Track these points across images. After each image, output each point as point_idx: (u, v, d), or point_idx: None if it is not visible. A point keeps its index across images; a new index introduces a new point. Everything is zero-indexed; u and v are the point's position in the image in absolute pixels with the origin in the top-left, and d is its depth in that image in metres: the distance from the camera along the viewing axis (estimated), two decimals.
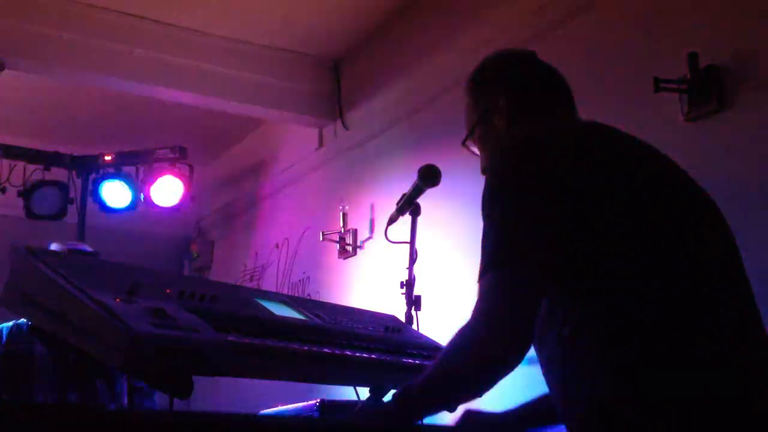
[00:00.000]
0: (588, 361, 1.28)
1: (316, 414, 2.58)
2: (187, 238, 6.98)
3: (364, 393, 2.07)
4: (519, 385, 1.63)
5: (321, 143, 5.33)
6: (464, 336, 1.34)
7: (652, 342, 1.25)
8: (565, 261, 1.32)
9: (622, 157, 1.48)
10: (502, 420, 1.75)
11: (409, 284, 2.70)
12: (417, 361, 1.87)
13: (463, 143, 1.76)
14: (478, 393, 1.36)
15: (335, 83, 5.14)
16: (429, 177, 2.71)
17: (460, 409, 1.54)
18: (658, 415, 1.20)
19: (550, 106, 1.68)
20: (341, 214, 4.78)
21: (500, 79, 1.73)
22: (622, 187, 1.39)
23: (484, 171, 1.71)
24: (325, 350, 1.61)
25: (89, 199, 4.79)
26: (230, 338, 1.40)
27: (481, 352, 1.31)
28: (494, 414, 1.76)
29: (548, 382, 1.42)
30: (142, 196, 4.91)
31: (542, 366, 1.41)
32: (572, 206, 1.34)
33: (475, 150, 1.76)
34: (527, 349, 1.30)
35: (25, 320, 2.72)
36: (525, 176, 1.39)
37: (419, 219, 2.78)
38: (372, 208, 4.61)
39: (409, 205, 2.77)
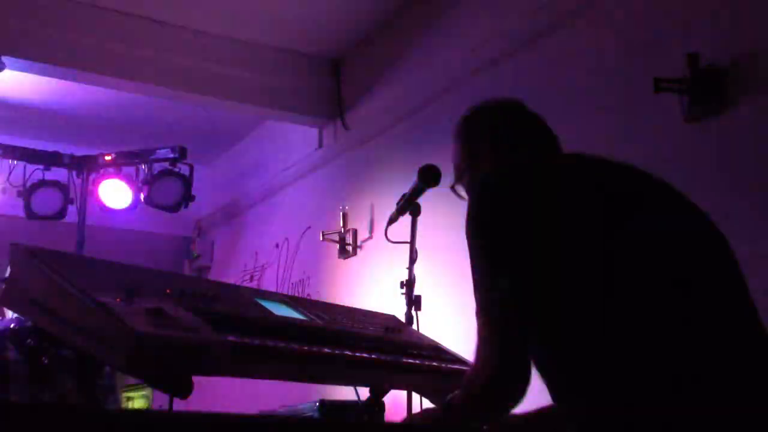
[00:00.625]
0: (564, 391, 1.38)
1: (316, 414, 2.58)
2: (187, 238, 6.99)
3: (364, 393, 2.07)
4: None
5: (321, 143, 5.33)
6: (470, 381, 1.49)
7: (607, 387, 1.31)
8: (534, 304, 1.40)
9: (589, 188, 1.51)
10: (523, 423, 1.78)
11: (409, 284, 2.70)
12: (417, 361, 1.88)
13: (452, 187, 1.86)
14: (500, 415, 1.53)
15: (335, 83, 5.14)
16: (429, 177, 2.71)
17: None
18: None
19: (532, 149, 1.74)
20: (341, 214, 4.78)
21: (485, 125, 1.82)
22: (583, 223, 1.42)
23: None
24: (325, 350, 1.61)
25: (89, 199, 4.78)
26: (230, 338, 1.39)
27: (485, 397, 1.46)
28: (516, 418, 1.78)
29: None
30: (142, 196, 4.90)
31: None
32: (533, 247, 1.41)
33: (463, 194, 1.83)
34: (526, 380, 1.42)
35: None
36: (492, 220, 1.47)
37: (419, 219, 2.78)
38: (372, 208, 4.61)
39: (409, 205, 2.77)
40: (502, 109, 1.85)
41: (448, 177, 2.80)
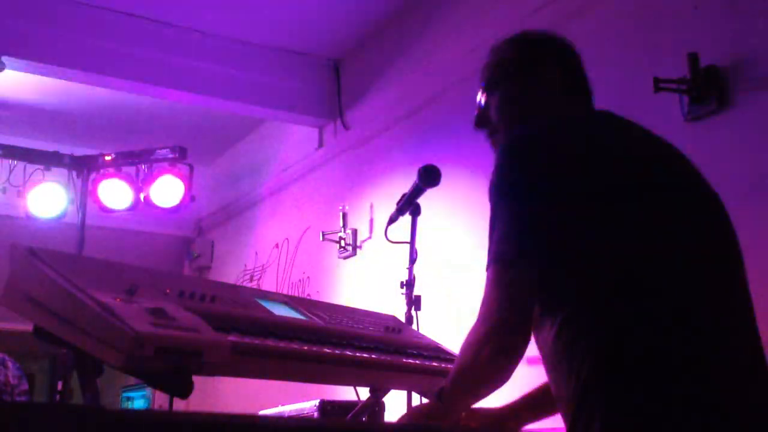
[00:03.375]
0: (574, 352, 1.34)
1: (316, 414, 2.58)
2: (187, 238, 6.99)
3: (364, 393, 2.07)
4: (521, 384, 1.64)
5: (321, 143, 5.33)
6: (472, 333, 1.42)
7: (630, 338, 1.31)
8: (560, 261, 1.37)
9: (628, 156, 1.49)
10: (502, 415, 1.78)
11: (409, 284, 2.70)
12: (417, 362, 1.87)
13: (486, 89, 1.70)
14: (495, 383, 1.43)
15: (335, 83, 5.15)
16: (429, 177, 2.71)
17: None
18: (631, 404, 1.27)
19: (583, 96, 1.71)
20: (341, 214, 4.79)
21: (556, 51, 1.71)
22: (621, 189, 1.41)
23: (495, 141, 1.68)
24: (325, 350, 1.61)
25: (89, 199, 4.78)
26: (230, 338, 1.39)
27: (486, 347, 1.38)
28: (494, 409, 1.78)
29: (546, 373, 1.47)
30: (142, 196, 4.90)
31: (541, 357, 1.46)
32: (571, 207, 1.38)
33: (488, 101, 1.69)
34: (527, 339, 1.38)
35: None
36: (534, 173, 1.41)
37: (419, 219, 2.78)
38: (372, 208, 4.61)
39: (409, 205, 2.77)
40: (565, 40, 1.74)
41: (448, 177, 2.81)
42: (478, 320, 1.41)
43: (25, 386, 3.72)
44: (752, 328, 1.43)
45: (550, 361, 1.41)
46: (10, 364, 3.72)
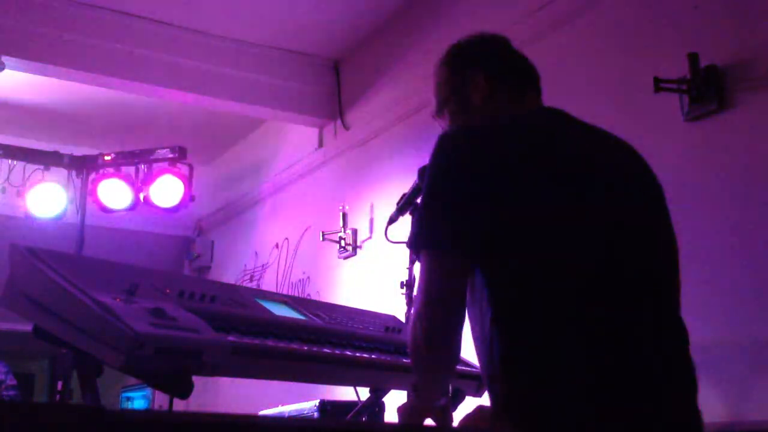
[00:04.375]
0: (496, 331, 1.42)
1: (316, 414, 2.58)
2: (187, 238, 6.99)
3: (365, 393, 2.07)
4: None
5: (321, 143, 5.33)
6: (414, 315, 1.49)
7: (543, 323, 1.39)
8: (486, 246, 1.43)
9: (564, 148, 1.55)
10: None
11: (409, 284, 2.70)
12: None
13: (437, 115, 1.83)
14: (438, 359, 1.49)
15: (335, 83, 5.15)
16: None
17: (473, 405, 1.55)
18: (540, 383, 1.36)
19: (522, 89, 1.75)
20: (341, 214, 4.78)
21: (479, 56, 1.80)
22: (552, 179, 1.47)
23: None
24: (325, 350, 1.61)
25: (89, 199, 4.78)
26: (230, 338, 1.40)
27: (423, 326, 1.44)
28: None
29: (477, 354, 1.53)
30: (142, 196, 4.90)
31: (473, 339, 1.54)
32: (500, 193, 1.44)
33: (444, 123, 1.82)
34: (461, 316, 1.46)
35: None
36: (468, 161, 1.48)
37: None
38: (372, 208, 4.61)
39: (409, 205, 2.76)
40: (493, 41, 1.83)
41: None
42: (416, 302, 1.47)
43: (13, 381, 3.69)
44: (681, 338, 1.49)
45: (475, 334, 1.50)
46: None
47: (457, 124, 1.78)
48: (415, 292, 1.49)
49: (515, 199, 1.43)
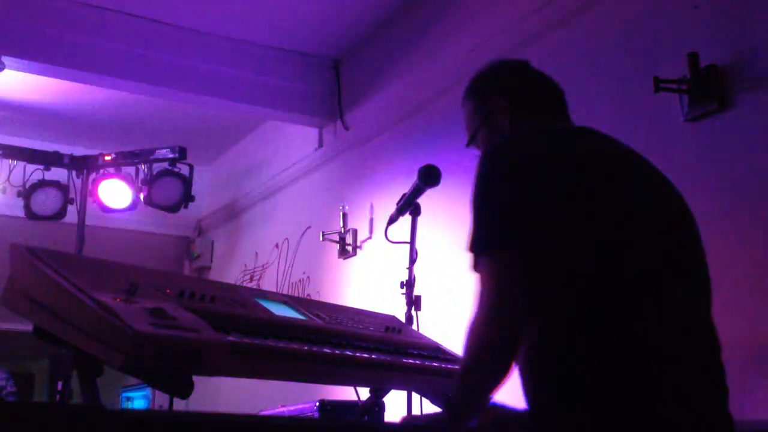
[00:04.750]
0: (541, 352, 1.41)
1: (316, 414, 2.58)
2: (187, 238, 6.99)
3: (365, 393, 2.07)
4: None
5: (321, 143, 5.33)
6: (471, 324, 1.44)
7: (593, 346, 1.38)
8: (536, 263, 1.42)
9: (601, 163, 1.56)
10: (522, 416, 1.77)
11: (409, 284, 2.70)
12: (417, 362, 1.87)
13: (469, 145, 1.85)
14: (500, 372, 1.44)
15: (335, 83, 5.15)
16: (429, 177, 2.71)
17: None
18: (589, 415, 1.34)
19: (547, 109, 1.78)
20: (341, 214, 4.78)
21: (501, 82, 1.83)
22: (594, 195, 1.48)
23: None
24: (325, 350, 1.61)
25: (89, 199, 4.78)
26: (230, 338, 1.39)
27: (487, 333, 1.41)
28: (515, 410, 1.78)
29: (519, 371, 1.50)
30: (142, 196, 4.90)
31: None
32: (548, 204, 1.44)
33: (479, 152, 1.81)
34: (524, 322, 1.42)
35: None
36: (513, 170, 1.49)
37: (419, 219, 2.78)
38: (372, 208, 4.61)
39: (409, 205, 2.77)
40: (514, 66, 1.87)
41: (448, 177, 2.81)
42: (474, 312, 1.43)
43: (12, 388, 3.70)
44: (712, 344, 1.50)
45: (524, 358, 1.46)
46: None
47: (480, 145, 1.81)
48: (474, 300, 1.44)
49: (566, 203, 1.44)
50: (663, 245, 1.50)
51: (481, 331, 1.41)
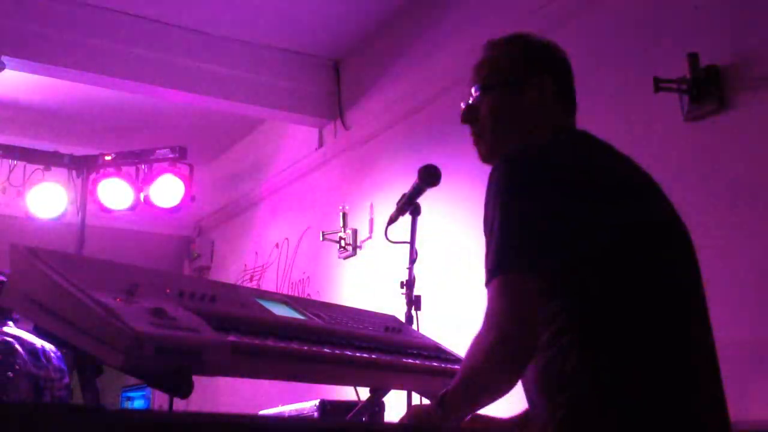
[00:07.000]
0: (569, 362, 1.39)
1: (316, 414, 2.58)
2: (187, 238, 6.99)
3: (365, 393, 2.07)
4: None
5: (321, 143, 5.33)
6: (479, 340, 1.42)
7: (623, 351, 1.38)
8: (559, 269, 1.41)
9: (616, 174, 1.56)
10: (505, 425, 1.77)
11: (409, 284, 2.70)
12: (417, 362, 1.87)
13: (479, 90, 1.70)
14: (499, 391, 1.43)
15: (335, 83, 5.15)
16: (429, 177, 2.71)
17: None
18: (627, 420, 1.34)
19: (572, 108, 1.73)
20: (341, 214, 4.78)
21: (554, 65, 1.71)
22: (613, 204, 1.47)
23: (486, 155, 1.70)
24: (325, 350, 1.61)
25: (89, 199, 4.78)
26: (230, 338, 1.39)
27: (494, 354, 1.39)
28: (498, 419, 1.78)
29: (527, 383, 1.49)
30: (142, 196, 4.90)
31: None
32: (568, 219, 1.43)
33: (480, 101, 1.70)
34: (534, 347, 1.39)
35: None
36: (533, 184, 1.45)
37: (419, 219, 2.78)
38: (372, 208, 4.61)
39: (409, 205, 2.76)
40: (563, 53, 1.74)
41: (448, 177, 2.81)
42: (483, 329, 1.41)
43: (66, 380, 3.65)
44: (713, 360, 1.51)
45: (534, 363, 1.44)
46: (53, 356, 3.64)
47: (496, 115, 1.67)
48: (484, 317, 1.41)
49: (588, 216, 1.43)
50: (682, 263, 1.52)
51: (489, 351, 1.39)
